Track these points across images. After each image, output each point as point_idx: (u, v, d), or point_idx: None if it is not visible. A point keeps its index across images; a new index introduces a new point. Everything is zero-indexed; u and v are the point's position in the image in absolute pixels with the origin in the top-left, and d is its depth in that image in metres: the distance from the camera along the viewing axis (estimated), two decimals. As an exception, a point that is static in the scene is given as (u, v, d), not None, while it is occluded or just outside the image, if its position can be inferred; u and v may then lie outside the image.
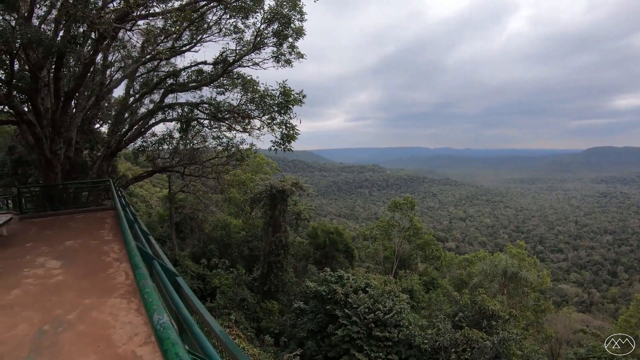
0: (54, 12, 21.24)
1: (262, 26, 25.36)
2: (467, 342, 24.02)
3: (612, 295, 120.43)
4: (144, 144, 31.47)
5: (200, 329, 4.23)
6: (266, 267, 37.82)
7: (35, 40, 15.81)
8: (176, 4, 20.54)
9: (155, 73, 31.32)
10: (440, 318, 28.04)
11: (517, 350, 25.76)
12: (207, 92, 30.50)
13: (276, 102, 26.86)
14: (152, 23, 22.76)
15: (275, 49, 26.72)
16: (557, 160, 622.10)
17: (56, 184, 20.84)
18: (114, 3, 19.28)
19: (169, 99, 30.05)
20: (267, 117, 27.69)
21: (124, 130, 29.04)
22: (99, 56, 24.58)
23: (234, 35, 26.61)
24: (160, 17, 20.82)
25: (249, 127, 28.90)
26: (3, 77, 18.46)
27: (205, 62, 28.85)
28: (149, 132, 31.05)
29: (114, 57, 28.88)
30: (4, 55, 16.99)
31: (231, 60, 27.14)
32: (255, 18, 24.91)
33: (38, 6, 20.72)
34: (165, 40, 24.66)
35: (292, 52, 26.90)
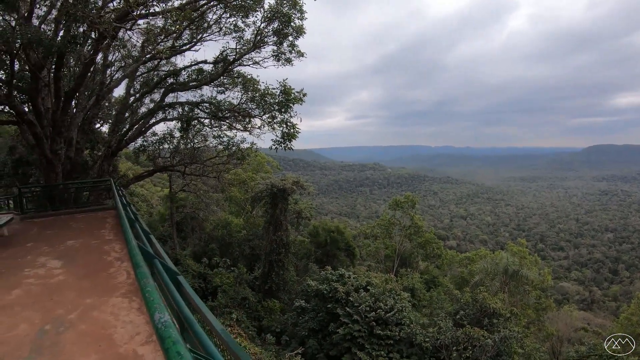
0: (54, 12, 21.23)
1: (262, 25, 25.34)
2: (468, 340, 24.00)
3: (613, 293, 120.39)
4: (145, 143, 31.48)
5: (201, 327, 4.23)
6: (267, 265, 37.82)
7: (35, 40, 15.81)
8: (176, 3, 20.55)
9: (156, 72, 31.30)
10: (441, 316, 28.03)
11: (519, 349, 25.74)
12: (207, 91, 30.51)
13: (277, 100, 26.87)
14: (152, 22, 22.73)
15: (275, 47, 26.70)
16: (558, 158, 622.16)
17: (57, 184, 20.84)
18: (114, 3, 19.30)
19: (170, 98, 30.05)
20: (267, 115, 27.69)
21: (124, 129, 29.03)
22: (99, 56, 24.56)
23: (234, 34, 26.59)
24: (160, 17, 20.77)
25: (249, 126, 28.90)
26: (3, 78, 18.45)
27: (205, 61, 28.84)
28: (149, 131, 31.04)
29: (114, 57, 28.86)
30: (4, 56, 16.99)
31: (231, 59, 27.11)
32: (256, 17, 24.91)
33: (38, 6, 20.70)
34: (165, 39, 24.61)
35: (293, 51, 26.87)
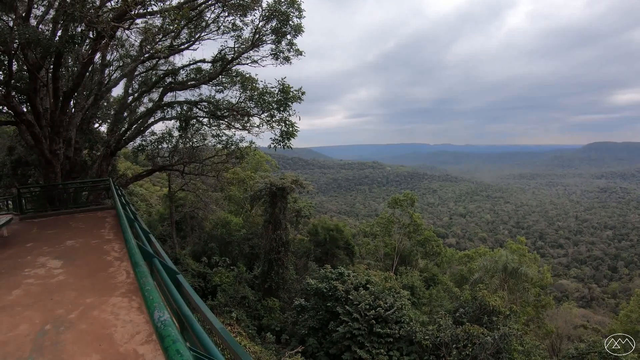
0: (52, 12, 21.24)
1: (261, 24, 25.34)
2: (468, 338, 24.03)
3: (612, 291, 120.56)
4: (144, 142, 31.48)
5: (201, 326, 4.24)
6: (267, 264, 37.81)
7: (33, 40, 15.79)
8: (174, 2, 20.55)
9: (154, 72, 31.28)
10: (441, 314, 28.02)
11: (518, 346, 25.78)
12: (206, 90, 30.52)
13: (275, 99, 26.89)
14: (150, 21, 22.75)
15: (273, 46, 26.72)
16: (557, 155, 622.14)
17: (56, 184, 20.84)
18: (112, 2, 19.26)
19: (168, 98, 30.04)
20: (266, 114, 27.71)
21: (123, 129, 29.01)
22: (98, 55, 24.57)
23: (232, 33, 26.59)
24: (159, 16, 20.76)
25: (248, 124, 28.92)
26: (2, 78, 18.46)
27: (203, 60, 28.84)
28: (148, 130, 31.04)
29: (112, 56, 28.85)
30: (2, 56, 16.98)
31: (230, 58, 27.12)
32: (254, 15, 24.93)
33: (36, 6, 20.70)
34: (163, 38, 24.61)
35: (291, 49, 26.88)
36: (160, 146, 32.80)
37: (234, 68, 28.51)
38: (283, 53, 26.93)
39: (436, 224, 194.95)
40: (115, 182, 22.34)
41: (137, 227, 9.86)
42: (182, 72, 29.87)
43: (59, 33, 19.32)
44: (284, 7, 24.59)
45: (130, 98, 30.63)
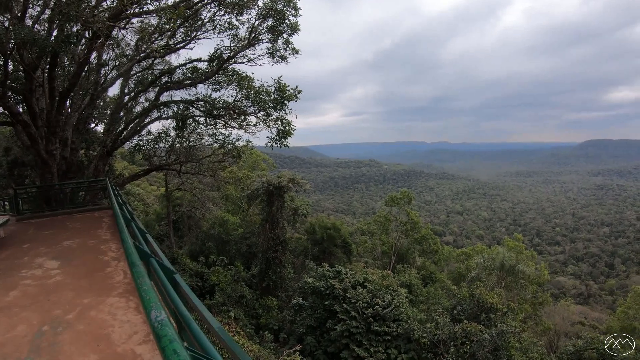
0: (47, 12, 21.20)
1: (257, 22, 25.32)
2: (465, 336, 24.08)
3: (609, 287, 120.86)
4: (140, 142, 31.50)
5: (198, 325, 4.24)
6: (264, 263, 37.80)
7: (29, 40, 15.77)
8: (170, 1, 20.50)
9: (150, 71, 31.26)
10: (438, 312, 28.09)
11: (516, 343, 25.83)
12: (202, 89, 30.60)
13: (272, 98, 26.88)
14: (146, 21, 22.73)
15: (270, 45, 26.71)
16: (554, 153, 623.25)
17: (53, 184, 20.79)
18: (107, 1, 19.23)
19: (164, 97, 29.98)
20: (262, 113, 27.71)
21: (119, 129, 29.00)
22: (93, 55, 24.56)
23: (228, 32, 26.57)
24: (154, 15, 20.75)
25: (244, 123, 28.94)
26: (-3, 78, 18.41)
27: (200, 60, 28.78)
28: (144, 130, 31.06)
29: (108, 56, 28.82)
30: (-3, 56, 16.96)
31: (226, 57, 27.08)
32: (250, 14, 24.92)
33: (31, 6, 20.65)
34: (159, 38, 24.58)
35: (287, 48, 26.89)
36: (156, 146, 32.81)
37: (230, 67, 28.48)
38: (279, 52, 26.93)
39: (433, 221, 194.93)
40: (112, 182, 22.27)
41: (134, 227, 9.85)
42: (178, 71, 29.83)
43: (55, 33, 19.28)
44: (280, 5, 24.57)
45: (127, 97, 30.61)
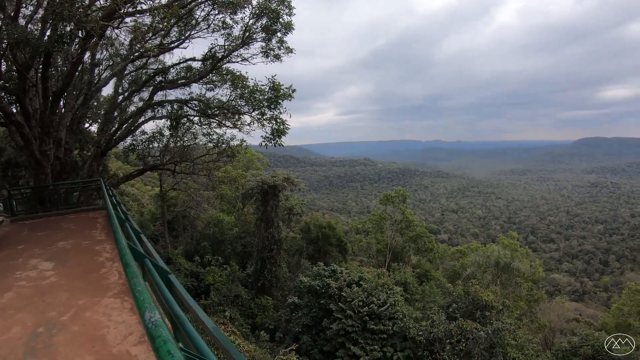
0: (41, 11, 21.13)
1: (251, 21, 25.29)
2: (461, 333, 24.12)
3: (604, 284, 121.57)
4: (134, 142, 31.43)
5: (193, 325, 4.23)
6: (259, 263, 37.78)
7: (22, 40, 15.71)
8: (163, 1, 20.44)
9: (144, 70, 31.19)
10: (434, 310, 28.13)
11: (511, 340, 25.90)
12: (196, 88, 30.53)
13: (266, 97, 26.84)
14: (140, 20, 22.66)
15: (264, 44, 26.68)
16: (548, 151, 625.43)
17: (47, 185, 20.73)
18: (101, 1, 19.19)
19: (158, 97, 29.93)
20: (257, 112, 27.68)
21: (113, 129, 28.90)
22: (87, 55, 24.46)
23: (222, 31, 26.54)
24: (148, 14, 20.68)
25: (239, 123, 28.89)
26: (-10, 78, 18.35)
27: (194, 59, 28.72)
28: (138, 130, 31.00)
29: (102, 56, 28.70)
30: (-10, 56, 16.89)
31: (220, 56, 27.04)
32: (244, 13, 24.90)
33: (24, 5, 20.57)
34: (153, 37, 24.53)
35: (281, 47, 26.87)
36: (151, 145, 32.76)
37: (224, 66, 28.42)
38: (273, 51, 26.91)
39: (428, 220, 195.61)
40: (106, 182, 22.25)
41: (128, 228, 9.85)
42: (172, 70, 29.77)
43: (48, 32, 19.23)
44: (274, 4, 24.55)
45: (121, 97, 30.54)
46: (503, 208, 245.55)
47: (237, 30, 26.44)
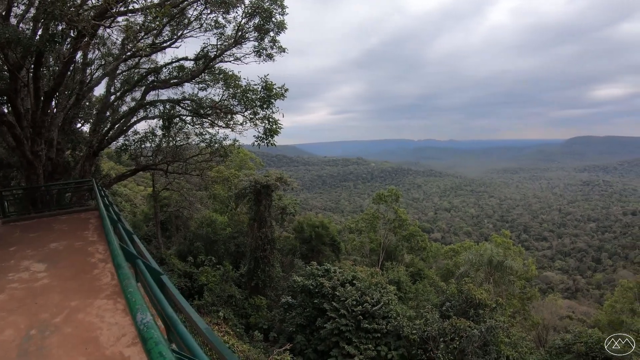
0: (32, 11, 21.02)
1: (243, 21, 25.21)
2: (455, 331, 24.18)
3: (596, 282, 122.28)
4: (127, 142, 31.31)
5: (186, 326, 4.22)
6: (253, 262, 37.73)
7: (13, 39, 15.62)
8: (156, 0, 20.38)
9: (136, 70, 31.10)
10: (427, 308, 28.18)
11: (505, 338, 25.99)
12: (188, 88, 30.40)
13: (258, 96, 26.78)
14: (132, 19, 22.56)
15: (256, 43, 26.60)
16: (540, 150, 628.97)
17: (39, 185, 20.62)
18: (92, 0, 19.10)
19: (151, 96, 29.83)
20: (249, 112, 27.62)
21: (105, 129, 28.79)
22: (79, 54, 24.32)
23: (215, 31, 26.45)
24: (140, 13, 20.60)
25: (231, 122, 28.84)
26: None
27: (186, 58, 28.62)
28: (131, 130, 30.89)
29: (94, 55, 28.59)
30: (-19, 56, 16.79)
31: (212, 56, 26.96)
32: (236, 12, 24.80)
33: (16, 4, 20.48)
34: (145, 36, 24.43)
35: (274, 47, 26.81)
36: (143, 145, 32.66)
37: (216, 65, 28.36)
38: (266, 50, 26.84)
39: (421, 218, 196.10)
40: (99, 183, 22.12)
41: (121, 228, 9.81)
42: (164, 70, 29.67)
43: (40, 32, 19.11)
44: (267, 4, 24.50)
45: (113, 97, 30.43)
46: (496, 206, 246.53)
47: (229, 30, 26.39)
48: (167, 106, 29.80)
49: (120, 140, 30.78)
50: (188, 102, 28.88)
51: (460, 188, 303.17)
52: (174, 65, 29.32)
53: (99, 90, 36.54)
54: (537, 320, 44.36)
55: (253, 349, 24.87)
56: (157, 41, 26.10)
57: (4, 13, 17.91)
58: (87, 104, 32.51)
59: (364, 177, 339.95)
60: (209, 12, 25.07)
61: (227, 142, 31.03)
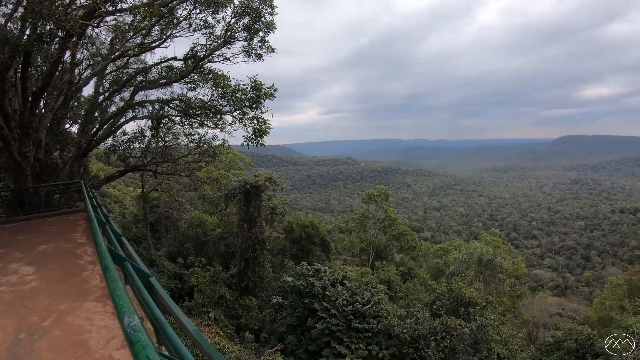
0: (20, 10, 20.86)
1: (233, 20, 25.17)
2: (445, 330, 24.26)
3: (586, 279, 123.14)
4: (115, 143, 31.16)
5: (175, 329, 4.19)
6: (243, 263, 37.68)
7: (1, 39, 15.51)
8: None
9: (125, 70, 30.95)
10: (418, 307, 28.24)
11: (495, 336, 26.14)
12: (177, 88, 30.33)
13: (247, 96, 26.73)
14: (121, 19, 22.45)
15: (246, 43, 26.55)
16: (529, 149, 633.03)
17: (27, 187, 20.44)
18: None
19: (140, 97, 29.71)
20: (238, 112, 27.55)
21: (94, 129, 28.61)
22: (67, 54, 24.15)
23: (204, 30, 26.36)
24: (129, 13, 20.49)
25: (220, 123, 28.77)
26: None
27: (175, 58, 28.51)
28: (119, 130, 30.72)
29: (82, 55, 28.42)
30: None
31: (201, 56, 26.88)
32: (226, 12, 24.74)
33: (3, 4, 20.32)
34: (134, 36, 24.33)
35: (263, 46, 26.77)
36: (132, 146, 32.47)
37: (206, 66, 28.26)
38: (255, 50, 26.80)
39: (411, 218, 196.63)
40: (87, 184, 21.99)
41: (109, 230, 9.75)
42: (153, 70, 29.57)
43: (28, 31, 18.96)
44: (256, 3, 24.47)
45: (101, 97, 30.26)
46: (485, 205, 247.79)
47: (218, 30, 26.33)
48: (156, 106, 29.70)
49: (109, 140, 30.65)
50: (177, 102, 28.77)
51: (450, 187, 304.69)
52: (163, 65, 29.20)
53: (88, 91, 36.43)
54: (527, 317, 44.59)
55: (244, 350, 24.83)
56: (146, 41, 26.01)
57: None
58: (76, 104, 32.31)
59: (353, 177, 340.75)
60: (198, 11, 25.01)
61: (216, 143, 31.02)
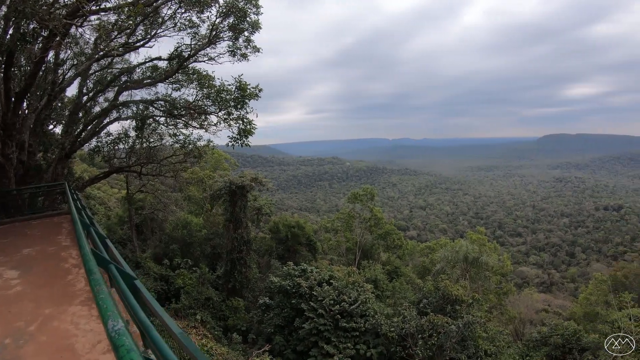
0: (3, 9, 20.63)
1: (218, 20, 25.08)
2: (432, 328, 24.34)
3: (571, 275, 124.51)
4: (99, 144, 30.98)
5: (161, 331, 4.16)
6: (229, 264, 37.60)
7: (-18, 39, 15.34)
8: (128, -1, 20.16)
9: (109, 70, 30.75)
10: (405, 306, 28.29)
11: (482, 333, 26.27)
12: (162, 88, 30.14)
13: (232, 97, 26.67)
14: (105, 18, 22.28)
15: (231, 43, 26.50)
16: (514, 147, 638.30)
17: (10, 189, 20.23)
18: (64, -2, 18.81)
19: (124, 97, 29.54)
20: (223, 112, 27.50)
21: (78, 130, 28.41)
22: (51, 54, 23.93)
23: (189, 30, 26.26)
24: (113, 12, 20.35)
25: (205, 123, 28.69)
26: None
27: (160, 58, 28.37)
28: (103, 131, 30.57)
29: (66, 55, 28.17)
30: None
31: (186, 56, 26.77)
32: (211, 12, 24.65)
33: (-15, 3, 20.10)
34: (118, 36, 24.15)
35: (248, 46, 26.74)
36: (116, 147, 32.32)
37: (190, 66, 28.15)
38: (240, 50, 26.75)
39: (397, 217, 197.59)
40: (72, 186, 21.81)
41: (93, 232, 9.67)
42: (137, 70, 29.47)
43: (11, 31, 18.78)
44: (242, 3, 24.42)
45: (85, 98, 30.05)
46: (470, 204, 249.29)
47: (203, 29, 26.24)
48: (141, 107, 29.58)
49: (93, 141, 30.45)
50: (162, 102, 28.65)
51: (435, 186, 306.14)
52: (147, 65, 29.09)
53: (71, 91, 36.16)
54: (513, 314, 44.96)
55: (232, 351, 24.74)
56: (130, 41, 25.81)
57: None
58: (59, 105, 32.08)
59: (339, 177, 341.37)
60: (183, 11, 24.90)
61: (201, 143, 30.95)
